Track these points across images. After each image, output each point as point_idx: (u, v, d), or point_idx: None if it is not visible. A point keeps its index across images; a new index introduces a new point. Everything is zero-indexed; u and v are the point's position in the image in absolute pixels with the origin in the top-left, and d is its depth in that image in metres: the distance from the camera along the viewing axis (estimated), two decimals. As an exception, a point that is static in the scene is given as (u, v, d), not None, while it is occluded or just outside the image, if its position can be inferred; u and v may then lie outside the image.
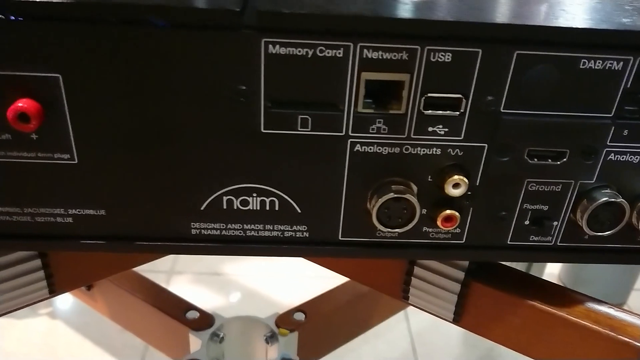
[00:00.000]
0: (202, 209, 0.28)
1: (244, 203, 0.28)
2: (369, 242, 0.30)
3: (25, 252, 0.34)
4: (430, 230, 0.29)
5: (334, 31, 0.24)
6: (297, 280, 1.07)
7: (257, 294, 1.06)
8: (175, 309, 0.59)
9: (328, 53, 0.24)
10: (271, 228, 0.29)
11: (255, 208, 0.28)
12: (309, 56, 0.24)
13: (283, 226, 0.29)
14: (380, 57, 0.24)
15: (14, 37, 0.23)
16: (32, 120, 0.25)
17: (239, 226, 0.29)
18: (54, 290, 0.37)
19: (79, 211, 0.28)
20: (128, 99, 0.25)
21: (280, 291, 1.05)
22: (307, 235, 0.29)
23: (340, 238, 0.30)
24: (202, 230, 0.29)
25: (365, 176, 0.28)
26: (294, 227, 0.29)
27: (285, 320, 0.59)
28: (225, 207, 0.28)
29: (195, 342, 0.57)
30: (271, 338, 0.58)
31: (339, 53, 0.24)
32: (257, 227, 0.29)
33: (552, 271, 1.11)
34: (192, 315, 0.60)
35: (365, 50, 0.24)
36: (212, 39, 0.24)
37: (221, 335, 0.58)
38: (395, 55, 0.24)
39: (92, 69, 0.24)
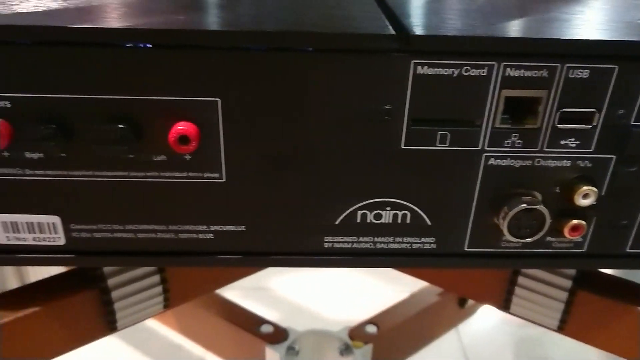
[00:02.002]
0: (336, 223, 0.29)
1: (377, 217, 0.29)
2: (494, 253, 0.31)
3: (146, 268, 0.36)
4: (553, 240, 0.30)
5: (480, 52, 0.25)
6: (339, 293, 1.08)
7: (303, 308, 1.07)
8: (250, 323, 0.60)
9: (473, 72, 0.25)
10: (400, 240, 0.30)
11: (387, 221, 0.30)
12: (454, 75, 0.25)
13: (412, 238, 0.30)
14: (521, 75, 0.26)
15: (179, 65, 0.25)
16: (191, 142, 0.26)
17: (370, 239, 0.30)
18: (168, 305, 0.38)
19: (220, 227, 0.29)
20: (277, 120, 0.26)
21: (326, 305, 1.06)
22: (435, 247, 0.30)
23: (465, 249, 0.31)
24: (335, 244, 0.30)
25: (495, 188, 0.29)
26: (423, 239, 0.30)
27: (358, 333, 0.60)
28: (359, 221, 0.29)
29: (272, 356, 0.58)
30: (345, 351, 0.59)
31: (483, 72, 0.25)
32: (387, 239, 0.30)
33: None
34: (266, 329, 0.61)
35: (508, 69, 0.25)
36: (363, 61, 0.25)
37: (296, 349, 0.59)
38: (535, 73, 0.26)
39: (247, 93, 0.26)
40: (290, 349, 0.59)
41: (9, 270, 0.94)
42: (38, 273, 0.93)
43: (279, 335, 0.60)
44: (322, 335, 0.60)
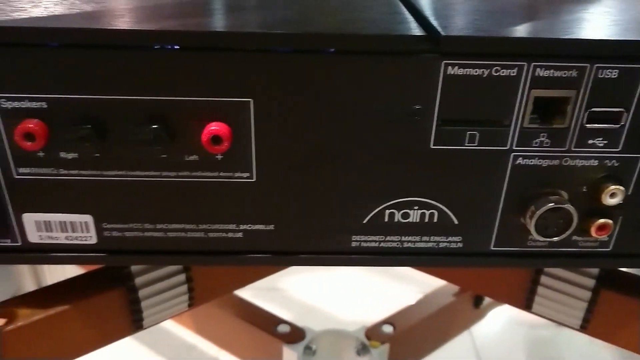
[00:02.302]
0: (364, 222, 0.30)
1: (405, 216, 0.30)
2: (520, 252, 0.31)
3: (171, 267, 0.36)
4: (579, 239, 0.30)
5: (511, 52, 0.25)
6: (350, 293, 1.08)
7: (314, 308, 1.07)
8: (267, 323, 0.61)
9: (503, 73, 0.26)
10: (427, 239, 0.30)
11: (414, 220, 0.30)
12: (484, 76, 0.26)
13: (439, 237, 0.30)
14: (550, 75, 0.26)
15: (212, 67, 0.25)
16: (224, 142, 0.26)
17: (397, 238, 0.30)
18: (192, 304, 0.39)
19: (249, 226, 0.30)
20: (308, 120, 0.27)
21: (337, 304, 1.07)
22: (461, 246, 0.31)
23: (492, 248, 0.31)
24: (362, 243, 0.30)
25: (523, 188, 0.29)
26: (449, 238, 0.30)
27: (374, 333, 0.60)
28: (386, 220, 0.30)
29: (290, 355, 0.58)
30: (362, 350, 0.59)
31: (513, 72, 0.26)
32: (414, 238, 0.30)
33: None
34: (283, 329, 0.61)
35: (537, 69, 0.26)
36: (394, 63, 0.25)
37: (314, 348, 0.59)
38: (565, 73, 0.26)
39: (279, 94, 0.26)
40: (308, 348, 0.59)
41: (25, 271, 0.95)
42: (54, 273, 0.94)
43: (295, 334, 0.60)
44: (339, 334, 0.60)
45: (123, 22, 0.26)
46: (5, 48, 0.25)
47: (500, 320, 1.00)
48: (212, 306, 0.62)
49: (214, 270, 0.38)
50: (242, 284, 0.41)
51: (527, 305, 0.39)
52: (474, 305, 0.69)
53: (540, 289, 0.37)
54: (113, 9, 0.28)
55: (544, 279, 0.37)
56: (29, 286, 0.96)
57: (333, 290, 1.11)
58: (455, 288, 0.67)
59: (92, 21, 0.26)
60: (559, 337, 0.96)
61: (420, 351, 0.64)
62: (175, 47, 0.25)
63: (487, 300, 0.69)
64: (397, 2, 0.31)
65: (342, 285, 1.11)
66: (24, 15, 0.26)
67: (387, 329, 0.61)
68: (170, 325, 0.91)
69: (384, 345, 0.59)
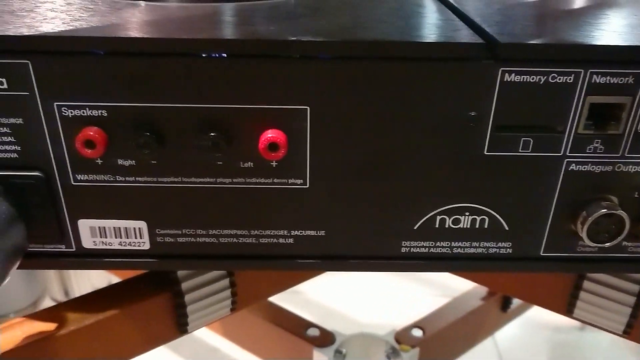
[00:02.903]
0: (415, 228, 0.30)
1: (456, 222, 0.30)
2: (569, 257, 0.31)
3: (216, 272, 0.37)
4: (629, 244, 0.30)
5: (568, 59, 0.25)
6: (371, 297, 1.08)
7: (335, 311, 1.07)
8: (296, 326, 0.61)
9: (559, 79, 0.26)
10: (477, 245, 0.31)
11: (465, 226, 0.30)
12: (541, 83, 0.26)
13: (489, 243, 0.30)
14: (607, 82, 0.26)
15: (271, 74, 0.26)
16: (280, 149, 0.27)
17: (447, 244, 0.30)
18: (235, 308, 0.39)
19: (300, 232, 0.30)
20: (364, 127, 0.27)
21: (356, 307, 1.07)
22: (510, 252, 0.31)
23: (541, 254, 0.31)
24: (412, 249, 0.31)
25: (575, 194, 0.29)
26: (499, 244, 0.31)
27: (404, 337, 0.60)
28: (437, 226, 0.30)
29: (320, 359, 0.58)
30: (393, 354, 0.59)
31: (570, 79, 0.26)
32: (464, 244, 0.31)
33: None
34: (312, 332, 0.61)
35: (594, 76, 0.26)
36: (451, 70, 0.26)
37: (344, 352, 0.59)
38: (621, 80, 0.26)
39: (336, 101, 0.26)
40: (338, 352, 0.59)
41: (52, 274, 0.96)
42: (79, 278, 0.95)
43: (325, 338, 0.60)
44: (369, 338, 0.60)
45: (181, 32, 0.26)
46: (67, 57, 0.25)
47: (523, 323, 1.00)
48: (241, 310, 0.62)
49: (255, 275, 0.38)
50: (282, 288, 0.41)
51: (568, 310, 0.39)
52: (501, 309, 0.69)
53: (582, 294, 0.37)
54: (162, 20, 0.29)
55: (586, 284, 0.37)
56: (55, 289, 0.97)
57: (353, 293, 1.11)
58: (482, 292, 0.67)
59: (146, 30, 0.27)
60: (583, 341, 0.96)
61: (448, 355, 0.64)
62: (232, 55, 0.25)
63: (514, 304, 0.69)
64: (445, 9, 0.31)
65: (362, 289, 1.11)
66: (84, 24, 0.27)
67: (417, 332, 0.61)
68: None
69: (414, 349, 0.59)
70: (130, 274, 0.37)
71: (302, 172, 0.28)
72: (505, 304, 0.69)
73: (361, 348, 0.60)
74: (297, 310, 1.07)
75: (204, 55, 0.25)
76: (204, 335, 0.96)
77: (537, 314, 0.84)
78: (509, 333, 0.98)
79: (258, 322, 0.63)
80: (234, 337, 0.66)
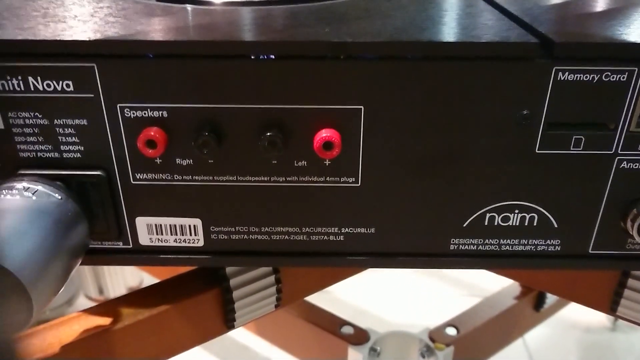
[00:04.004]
0: (464, 225, 0.30)
1: (505, 219, 0.30)
2: (618, 255, 0.31)
3: (263, 269, 0.37)
4: (679, 242, 0.30)
5: (623, 58, 0.26)
6: (398, 295, 1.08)
7: (365, 310, 1.08)
8: (331, 324, 0.62)
9: (613, 78, 0.26)
10: (525, 242, 0.31)
11: (514, 224, 0.30)
12: (594, 81, 0.26)
13: (537, 240, 0.31)
14: (660, 80, 0.26)
15: (326, 75, 0.26)
16: (334, 148, 0.27)
17: (496, 241, 0.31)
18: (279, 304, 0.40)
19: (351, 230, 0.31)
20: (417, 126, 0.28)
21: (385, 305, 1.07)
22: (559, 249, 0.31)
23: (590, 251, 0.31)
24: (461, 246, 0.31)
25: (625, 191, 0.29)
26: (548, 242, 0.31)
27: (438, 335, 0.61)
28: (486, 223, 0.30)
29: (356, 356, 0.59)
30: (427, 352, 0.59)
31: (623, 77, 0.26)
32: (513, 241, 0.31)
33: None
34: (347, 330, 0.62)
35: (648, 74, 0.26)
36: (505, 69, 0.26)
37: (378, 350, 0.60)
38: (675, 78, 0.26)
39: (389, 101, 0.27)
40: (373, 350, 0.60)
41: (86, 271, 0.98)
42: (113, 275, 0.96)
43: (360, 336, 0.61)
44: (403, 336, 0.61)
45: (239, 34, 0.27)
46: (131, 60, 0.26)
47: (554, 323, 0.99)
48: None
49: (300, 271, 0.39)
50: (325, 285, 0.42)
51: (611, 309, 0.39)
52: (534, 308, 0.69)
53: (627, 292, 0.37)
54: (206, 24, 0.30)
55: (631, 282, 0.37)
56: (90, 286, 0.99)
57: (381, 292, 1.11)
58: (516, 291, 0.67)
59: (205, 34, 0.27)
60: (614, 342, 0.95)
61: (482, 354, 0.64)
62: (287, 57, 0.26)
63: (547, 304, 0.69)
64: (493, 10, 0.31)
65: (390, 288, 1.12)
66: (146, 28, 0.27)
67: (451, 331, 0.61)
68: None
69: (449, 347, 0.59)
70: (170, 272, 0.37)
71: (354, 170, 0.29)
72: (538, 303, 0.68)
73: (396, 346, 0.61)
74: (327, 309, 1.08)
75: (261, 57, 0.26)
76: (234, 333, 0.97)
77: (567, 313, 0.83)
78: (539, 333, 0.97)
79: (292, 320, 0.63)
80: (267, 334, 0.67)
